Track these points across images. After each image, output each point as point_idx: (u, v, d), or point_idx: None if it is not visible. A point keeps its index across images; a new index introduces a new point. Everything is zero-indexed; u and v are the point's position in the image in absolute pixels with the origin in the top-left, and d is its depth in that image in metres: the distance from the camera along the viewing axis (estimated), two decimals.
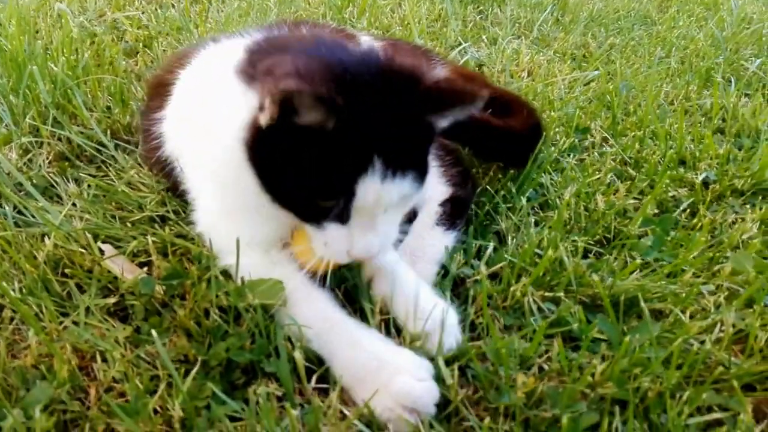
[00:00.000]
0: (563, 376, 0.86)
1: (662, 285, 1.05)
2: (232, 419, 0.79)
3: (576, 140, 1.56)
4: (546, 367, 0.90)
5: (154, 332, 0.83)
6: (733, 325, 0.96)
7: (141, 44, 1.92)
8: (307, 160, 0.83)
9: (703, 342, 0.94)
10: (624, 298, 1.00)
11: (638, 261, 1.10)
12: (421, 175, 0.90)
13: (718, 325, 0.97)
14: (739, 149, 1.60)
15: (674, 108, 1.83)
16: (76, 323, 0.92)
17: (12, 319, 0.92)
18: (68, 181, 1.24)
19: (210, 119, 0.97)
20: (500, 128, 1.31)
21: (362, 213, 0.86)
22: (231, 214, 1.00)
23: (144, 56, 1.82)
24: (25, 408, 0.75)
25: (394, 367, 0.83)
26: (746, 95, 1.98)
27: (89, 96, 1.51)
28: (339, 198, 0.85)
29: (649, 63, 2.15)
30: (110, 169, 1.28)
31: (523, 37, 2.35)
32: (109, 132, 1.39)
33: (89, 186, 1.21)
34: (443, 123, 0.92)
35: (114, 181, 1.23)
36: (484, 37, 2.27)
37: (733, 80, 2.04)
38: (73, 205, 1.16)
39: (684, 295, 1.01)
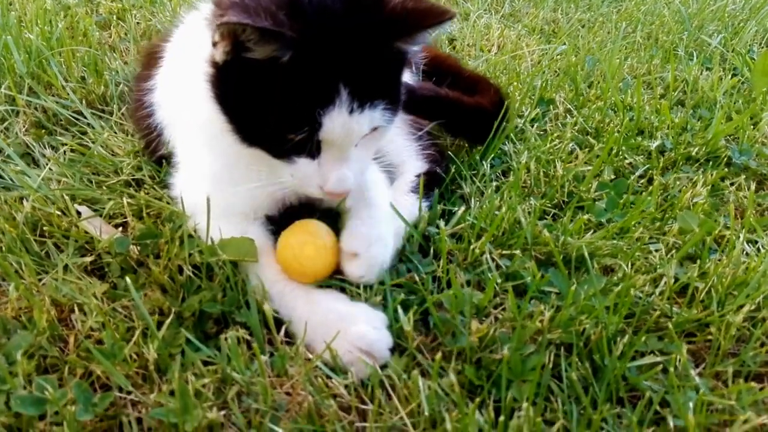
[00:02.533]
0: (515, 322, 0.92)
1: (612, 243, 1.11)
2: (205, 363, 0.84)
3: (541, 111, 1.62)
4: (500, 316, 0.96)
5: (128, 280, 0.87)
6: (676, 278, 1.03)
7: (115, 17, 1.93)
8: (268, 93, 0.81)
9: (650, 294, 1.01)
10: (576, 255, 1.07)
11: (584, 218, 1.16)
12: (392, 104, 0.87)
13: (663, 278, 1.04)
14: (698, 120, 1.67)
15: (639, 81, 1.89)
16: (55, 280, 0.96)
17: None
18: (45, 147, 1.27)
19: (190, 77, 0.95)
20: (471, 106, 1.36)
21: (332, 146, 0.85)
22: (210, 179, 1.02)
23: (117, 28, 1.84)
24: (6, 354, 0.79)
25: (350, 317, 0.88)
26: (708, 69, 2.05)
27: (63, 66, 1.53)
28: (305, 130, 0.82)
29: (614, 38, 2.21)
30: (86, 136, 1.31)
31: (493, 12, 2.39)
32: (84, 101, 1.42)
33: (65, 152, 1.24)
34: (414, 47, 0.90)
35: (90, 146, 1.27)
36: (456, 11, 2.30)
37: (695, 54, 2.11)
38: (50, 169, 1.19)
39: (631, 251, 1.07)
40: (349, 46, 0.81)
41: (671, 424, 0.80)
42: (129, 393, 0.79)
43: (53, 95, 1.44)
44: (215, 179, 1.01)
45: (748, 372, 0.90)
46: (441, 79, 1.43)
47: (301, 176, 0.88)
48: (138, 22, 1.90)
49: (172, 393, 0.76)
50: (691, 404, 0.81)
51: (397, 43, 0.87)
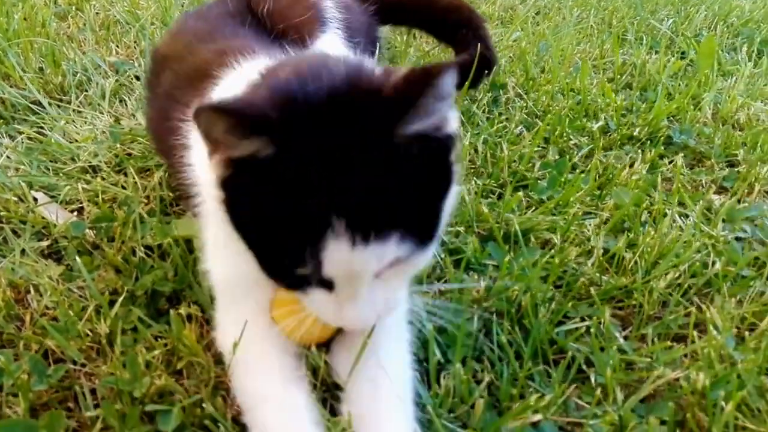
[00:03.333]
0: (454, 293, 0.97)
1: (551, 218, 1.18)
2: (157, 339, 0.88)
3: (493, 95, 1.67)
4: (442, 288, 1.02)
5: (79, 261, 0.91)
6: (607, 249, 1.10)
7: (74, 7, 1.94)
8: (266, 214, 0.68)
9: (582, 264, 1.08)
10: (515, 230, 1.12)
11: (520, 195, 1.22)
12: (413, 231, 0.68)
13: (596, 250, 1.10)
14: (644, 102, 1.74)
15: (589, 65, 1.96)
16: (12, 263, 0.99)
17: None
18: (3, 136, 1.29)
19: None
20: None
21: (342, 282, 0.70)
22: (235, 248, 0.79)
23: (76, 19, 1.86)
24: None
25: None
26: (657, 52, 2.12)
27: (21, 57, 1.55)
28: (309, 265, 0.67)
29: (567, 24, 2.28)
30: (45, 126, 1.34)
31: None
32: (42, 91, 1.45)
33: (22, 140, 1.27)
34: (420, 126, 0.66)
35: (48, 134, 1.30)
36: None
37: (644, 39, 2.19)
38: (8, 157, 1.22)
39: (566, 225, 1.14)
40: (341, 161, 0.65)
41: (593, 380, 0.86)
42: (83, 366, 0.83)
43: (11, 86, 1.46)
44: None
45: (668, 333, 0.97)
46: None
47: (318, 308, 0.74)
48: (97, 12, 1.92)
49: (124, 365, 0.81)
50: (611, 362, 0.87)
51: (401, 128, 0.65)
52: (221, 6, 1.30)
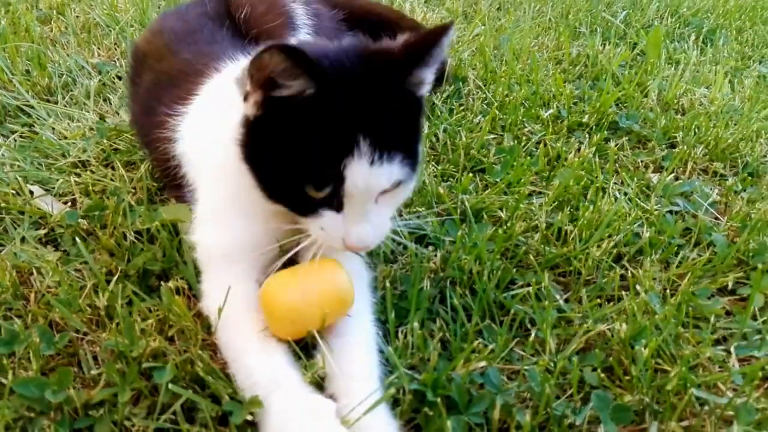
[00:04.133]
0: (413, 264, 1.10)
1: (504, 198, 1.30)
2: (150, 310, 1.00)
3: (455, 88, 1.80)
4: (404, 261, 1.14)
5: (79, 242, 1.02)
6: (551, 224, 1.23)
7: (55, 11, 2.03)
8: (294, 146, 0.83)
9: (529, 237, 1.21)
10: (470, 210, 1.25)
11: (470, 177, 1.35)
12: (410, 157, 0.88)
13: (540, 225, 1.23)
14: (596, 91, 1.88)
15: (546, 56, 2.09)
16: (14, 250, 1.10)
17: None
18: None
19: (216, 128, 0.99)
20: None
21: (354, 201, 0.85)
22: (223, 220, 1.01)
23: (58, 23, 1.95)
24: None
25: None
26: (614, 44, 2.26)
27: (9, 61, 1.64)
28: (329, 185, 0.83)
29: (526, 18, 2.41)
30: (35, 125, 1.44)
31: None
32: (30, 92, 1.54)
33: (15, 138, 1.37)
34: (429, 75, 0.90)
35: (39, 132, 1.40)
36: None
37: (599, 31, 2.33)
38: (3, 155, 1.32)
39: (515, 203, 1.26)
40: (367, 98, 0.84)
41: (533, 335, 0.99)
42: (85, 335, 0.94)
43: (1, 88, 1.55)
44: (225, 217, 1.01)
45: (603, 294, 1.10)
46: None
47: (328, 227, 0.88)
48: (77, 16, 2.01)
49: (122, 332, 0.91)
50: (549, 319, 1.00)
51: (410, 76, 0.88)
52: (199, 6, 1.41)
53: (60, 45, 1.83)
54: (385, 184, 0.85)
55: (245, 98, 0.86)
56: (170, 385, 0.81)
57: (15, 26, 1.83)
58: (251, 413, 0.80)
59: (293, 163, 0.84)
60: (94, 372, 0.87)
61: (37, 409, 0.81)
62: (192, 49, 1.23)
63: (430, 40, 0.86)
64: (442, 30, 0.86)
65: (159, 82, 1.23)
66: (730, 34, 2.54)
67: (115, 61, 1.78)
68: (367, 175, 0.83)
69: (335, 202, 0.86)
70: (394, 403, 0.85)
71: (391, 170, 0.85)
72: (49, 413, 0.81)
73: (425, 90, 0.92)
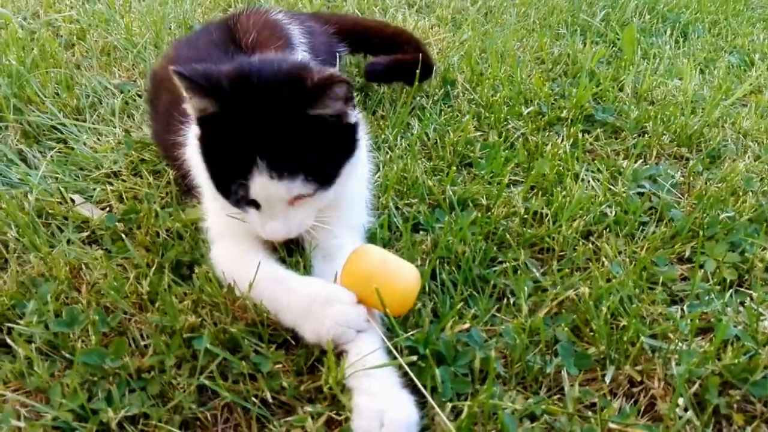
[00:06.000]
0: (406, 248, 1.26)
1: (487, 188, 1.47)
2: (185, 294, 1.17)
3: (445, 91, 1.97)
4: (399, 246, 1.31)
5: (125, 237, 1.20)
6: (529, 209, 1.39)
7: (75, 37, 2.22)
8: (216, 147, 1.04)
9: (510, 221, 1.37)
10: (451, 199, 1.42)
11: (453, 171, 1.51)
12: (314, 176, 1.02)
13: (519, 210, 1.40)
14: (575, 87, 2.04)
15: (529, 57, 2.26)
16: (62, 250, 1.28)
17: (15, 249, 1.27)
18: (36, 152, 1.57)
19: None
20: (407, 60, 1.82)
21: (265, 204, 1.04)
22: (219, 212, 1.19)
23: (80, 48, 2.13)
24: (39, 297, 1.11)
25: (330, 299, 1.00)
26: (594, 43, 2.43)
27: (40, 85, 1.82)
28: (241, 191, 1.01)
29: (510, 22, 2.57)
30: (68, 140, 1.62)
31: (407, 7, 2.73)
32: (62, 113, 1.72)
33: (53, 154, 1.55)
34: (323, 112, 1.01)
35: (74, 147, 1.58)
36: (375, 8, 2.64)
37: (579, 31, 2.49)
38: (44, 168, 1.50)
39: (498, 192, 1.43)
40: (266, 121, 0.99)
41: (512, 302, 1.15)
42: (132, 315, 1.11)
43: (34, 110, 1.74)
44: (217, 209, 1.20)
45: (572, 266, 1.27)
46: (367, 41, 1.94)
47: (251, 222, 1.08)
48: (96, 41, 2.19)
49: (165, 313, 1.09)
50: (526, 288, 1.16)
51: (314, 107, 1.00)
52: (206, 35, 1.60)
53: (84, 68, 2.01)
54: (286, 196, 1.02)
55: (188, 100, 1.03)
56: (208, 345, 0.98)
57: (42, 53, 2.01)
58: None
59: (218, 164, 1.04)
60: (142, 344, 1.05)
61: (98, 374, 0.99)
62: None
63: (326, 84, 0.98)
64: (333, 81, 0.98)
65: (174, 101, 1.41)
66: (704, 27, 2.69)
67: (134, 81, 1.97)
68: (266, 187, 0.99)
69: (254, 202, 1.04)
70: (394, 358, 1.02)
71: (292, 186, 1.00)
72: (108, 377, 0.99)
73: (348, 117, 1.05)
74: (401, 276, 1.04)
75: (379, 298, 0.98)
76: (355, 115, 1.09)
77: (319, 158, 1.04)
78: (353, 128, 1.10)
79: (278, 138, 0.99)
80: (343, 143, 1.09)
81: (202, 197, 1.26)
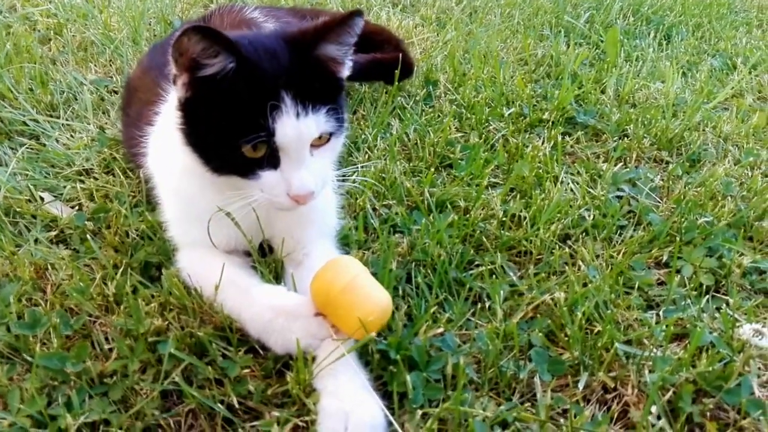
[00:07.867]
0: (382, 250, 1.24)
1: (466, 189, 1.46)
2: (152, 296, 1.14)
3: (427, 91, 1.95)
4: (374, 246, 1.29)
5: (90, 238, 1.16)
6: (507, 211, 1.38)
7: (52, 32, 2.17)
8: (226, 114, 0.95)
9: (487, 223, 1.36)
10: (429, 201, 1.40)
11: (432, 173, 1.50)
12: (334, 111, 1.00)
13: (497, 212, 1.38)
14: (557, 89, 2.03)
15: (513, 58, 2.24)
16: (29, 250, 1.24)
17: None
18: (7, 149, 1.53)
19: (166, 140, 1.12)
20: (387, 59, 1.81)
21: (288, 153, 0.97)
22: (183, 221, 1.19)
23: (56, 42, 2.09)
24: (2, 299, 1.08)
25: (289, 313, 1.00)
26: (578, 45, 2.42)
27: (14, 80, 1.78)
28: (264, 143, 0.94)
29: (495, 22, 2.56)
30: (41, 137, 1.59)
31: (391, 6, 2.71)
32: (35, 109, 1.69)
33: (24, 151, 1.51)
34: (335, 50, 1.03)
35: (45, 144, 1.54)
36: (359, 6, 2.62)
37: (563, 32, 2.48)
38: (14, 166, 1.46)
39: (476, 194, 1.41)
40: (283, 63, 0.97)
41: (487, 306, 1.14)
42: (97, 318, 1.08)
43: (6, 106, 1.70)
44: (185, 218, 1.19)
45: (548, 270, 1.25)
46: None
47: (269, 188, 0.99)
48: (74, 35, 2.15)
49: (130, 315, 1.06)
50: (502, 292, 1.15)
51: (318, 48, 1.01)
52: None
53: (59, 63, 1.97)
54: (315, 132, 0.98)
55: (174, 81, 0.97)
56: (172, 350, 0.95)
57: (17, 47, 1.97)
58: None
59: (228, 130, 0.95)
60: (106, 347, 1.02)
61: (59, 378, 0.96)
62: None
63: (337, 21, 1.00)
64: (349, 16, 1.00)
65: (141, 110, 1.36)
66: (687, 30, 2.70)
67: (111, 77, 1.93)
68: (295, 126, 0.95)
69: (273, 161, 0.98)
70: (366, 364, 1.00)
71: (318, 120, 0.97)
72: (69, 382, 0.96)
73: (341, 71, 1.06)
74: (367, 301, 0.97)
75: (341, 323, 0.98)
76: (348, 68, 1.08)
77: (333, 95, 1.03)
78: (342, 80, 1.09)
79: (299, 74, 0.97)
80: (337, 89, 1.08)
81: (162, 207, 1.23)
